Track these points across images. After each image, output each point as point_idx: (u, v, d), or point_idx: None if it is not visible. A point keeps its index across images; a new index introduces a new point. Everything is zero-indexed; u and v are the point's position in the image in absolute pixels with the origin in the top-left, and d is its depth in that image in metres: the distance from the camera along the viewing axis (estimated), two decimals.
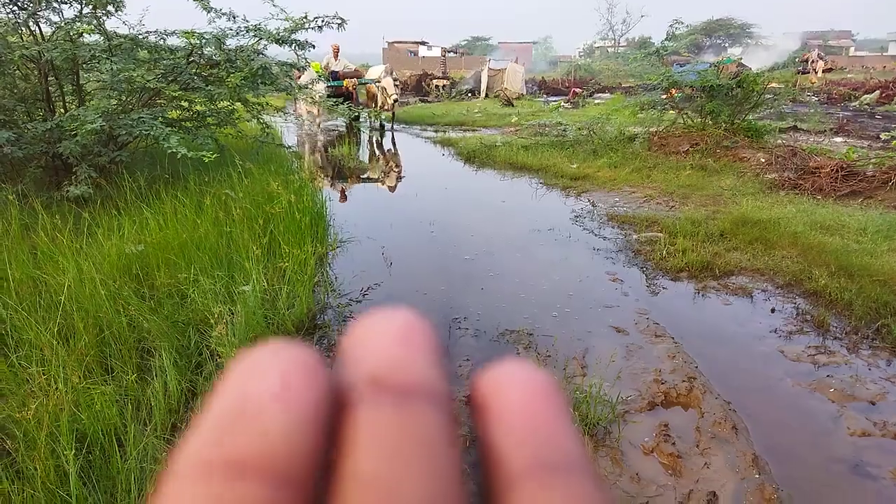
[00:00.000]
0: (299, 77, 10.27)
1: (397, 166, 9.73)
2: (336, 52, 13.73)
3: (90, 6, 4.77)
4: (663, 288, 4.21)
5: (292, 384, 0.18)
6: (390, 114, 13.71)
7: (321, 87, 10.68)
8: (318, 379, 0.18)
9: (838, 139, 10.37)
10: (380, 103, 13.52)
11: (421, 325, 0.21)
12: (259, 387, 0.17)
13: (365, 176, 8.71)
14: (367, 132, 13.86)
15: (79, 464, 2.18)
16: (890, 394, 2.91)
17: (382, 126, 14.00)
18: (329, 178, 8.35)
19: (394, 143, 12.71)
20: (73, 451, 2.18)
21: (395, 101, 13.21)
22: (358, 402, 0.18)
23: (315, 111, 12.51)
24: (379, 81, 13.32)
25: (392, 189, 7.98)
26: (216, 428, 0.17)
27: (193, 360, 2.91)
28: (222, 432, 0.17)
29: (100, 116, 4.14)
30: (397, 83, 13.54)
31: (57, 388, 2.44)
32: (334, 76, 13.43)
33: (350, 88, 13.47)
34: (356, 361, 0.19)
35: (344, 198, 7.30)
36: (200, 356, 2.94)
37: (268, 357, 0.18)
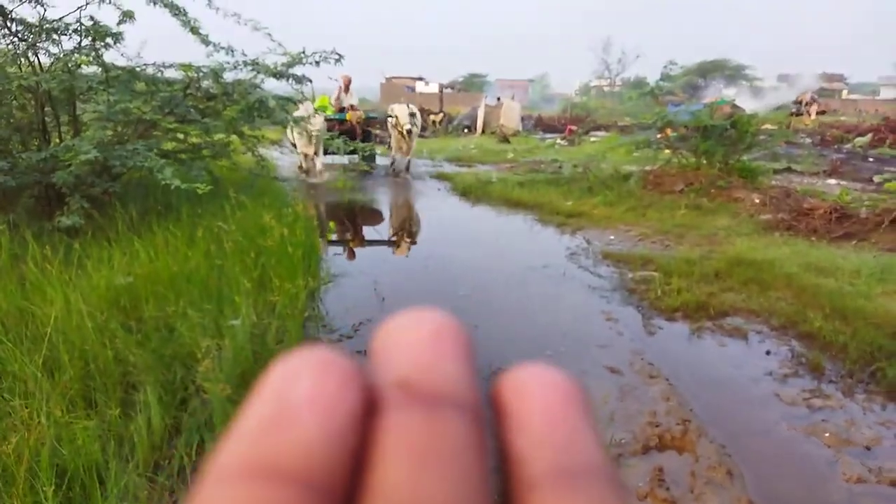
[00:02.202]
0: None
1: (391, 202, 9.72)
2: (347, 84, 11.86)
3: (89, 38, 4.81)
4: (658, 328, 4.18)
5: (328, 390, 0.18)
6: (405, 155, 11.48)
7: (319, 121, 9.37)
8: (353, 385, 0.18)
9: (832, 181, 10.47)
10: (396, 146, 11.47)
11: (454, 327, 0.20)
12: (296, 392, 0.18)
13: (361, 212, 8.66)
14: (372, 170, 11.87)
15: (58, 501, 2.13)
16: (885, 439, 2.87)
17: (393, 168, 11.68)
18: (322, 217, 8.29)
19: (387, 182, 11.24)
20: (53, 486, 2.13)
21: (409, 131, 10.87)
22: (387, 407, 0.18)
23: (311, 151, 10.18)
24: (392, 115, 11.23)
25: (385, 224, 7.97)
26: (253, 431, 0.17)
27: (179, 395, 2.86)
28: (258, 436, 0.17)
29: (94, 147, 4.15)
30: (414, 116, 11.26)
31: (39, 422, 2.39)
32: (341, 111, 11.67)
33: (354, 123, 11.42)
34: (386, 364, 0.19)
35: (337, 238, 7.28)
36: (186, 391, 2.89)
37: (305, 362, 0.18)
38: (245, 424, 0.17)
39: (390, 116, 11.16)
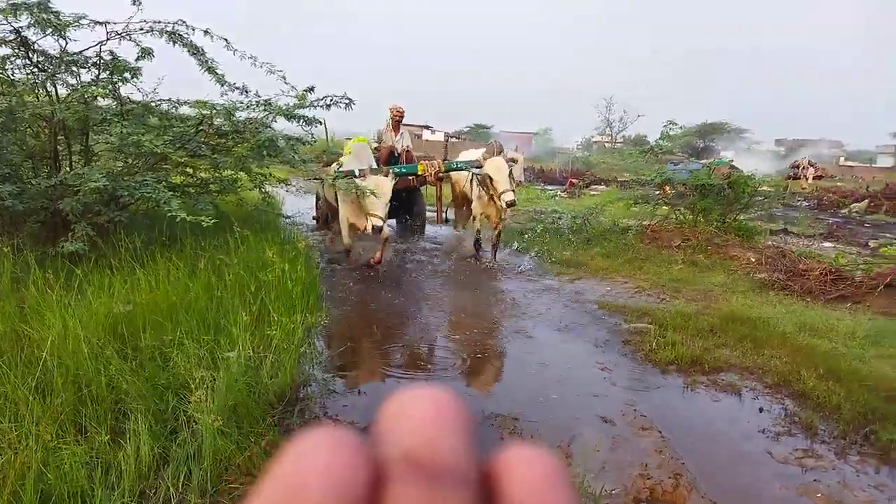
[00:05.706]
0: (329, 163, 7.13)
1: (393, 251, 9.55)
2: (398, 119, 8.47)
3: (108, 72, 4.94)
4: (652, 380, 4.17)
5: (339, 464, 0.20)
6: (493, 228, 7.79)
7: (388, 185, 6.49)
8: (362, 460, 0.20)
9: (828, 244, 10.57)
10: (478, 213, 7.79)
11: (454, 405, 0.23)
12: (310, 466, 0.20)
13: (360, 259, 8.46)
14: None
15: None
16: (878, 502, 2.85)
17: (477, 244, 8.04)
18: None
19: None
20: None
21: (511, 202, 7.02)
22: (394, 479, 0.20)
23: (363, 223, 6.62)
24: (480, 167, 7.35)
25: (381, 269, 7.92)
26: (272, 501, 0.19)
27: (169, 424, 2.85)
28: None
29: (104, 176, 4.21)
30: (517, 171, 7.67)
31: (27, 445, 2.38)
32: (396, 159, 8.27)
33: (432, 178, 7.83)
34: (392, 438, 0.22)
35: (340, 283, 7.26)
36: (177, 421, 2.87)
37: (319, 439, 0.21)
38: (265, 495, 0.20)
39: (474, 170, 7.56)
